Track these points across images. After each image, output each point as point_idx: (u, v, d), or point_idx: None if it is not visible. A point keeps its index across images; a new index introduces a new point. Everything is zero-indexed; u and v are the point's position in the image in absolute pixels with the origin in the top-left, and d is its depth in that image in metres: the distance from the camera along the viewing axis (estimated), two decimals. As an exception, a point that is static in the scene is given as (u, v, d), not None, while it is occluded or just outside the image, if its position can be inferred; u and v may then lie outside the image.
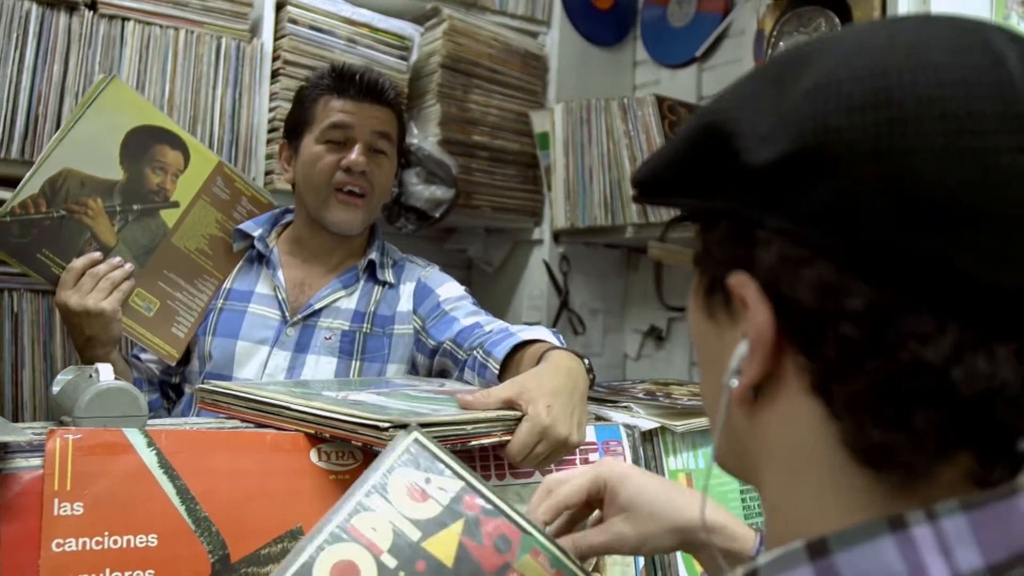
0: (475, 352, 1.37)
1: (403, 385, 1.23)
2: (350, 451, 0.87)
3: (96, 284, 1.40)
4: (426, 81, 2.28)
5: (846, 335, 0.40)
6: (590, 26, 2.58)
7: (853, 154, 0.39)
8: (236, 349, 1.55)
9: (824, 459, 0.43)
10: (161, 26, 1.82)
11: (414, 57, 2.24)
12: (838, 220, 0.40)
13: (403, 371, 1.61)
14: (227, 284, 1.62)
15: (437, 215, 2.15)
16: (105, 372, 0.82)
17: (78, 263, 1.40)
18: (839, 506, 0.43)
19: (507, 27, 2.43)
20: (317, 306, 1.59)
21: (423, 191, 2.12)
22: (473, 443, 0.92)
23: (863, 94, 0.40)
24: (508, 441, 0.94)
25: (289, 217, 1.70)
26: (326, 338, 1.58)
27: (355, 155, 1.55)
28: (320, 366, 1.56)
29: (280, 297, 1.59)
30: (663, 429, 1.10)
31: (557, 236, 2.47)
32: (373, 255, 1.66)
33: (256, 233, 1.62)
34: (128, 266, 1.46)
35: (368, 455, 0.88)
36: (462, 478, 0.70)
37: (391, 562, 0.64)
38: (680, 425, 1.09)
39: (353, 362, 1.59)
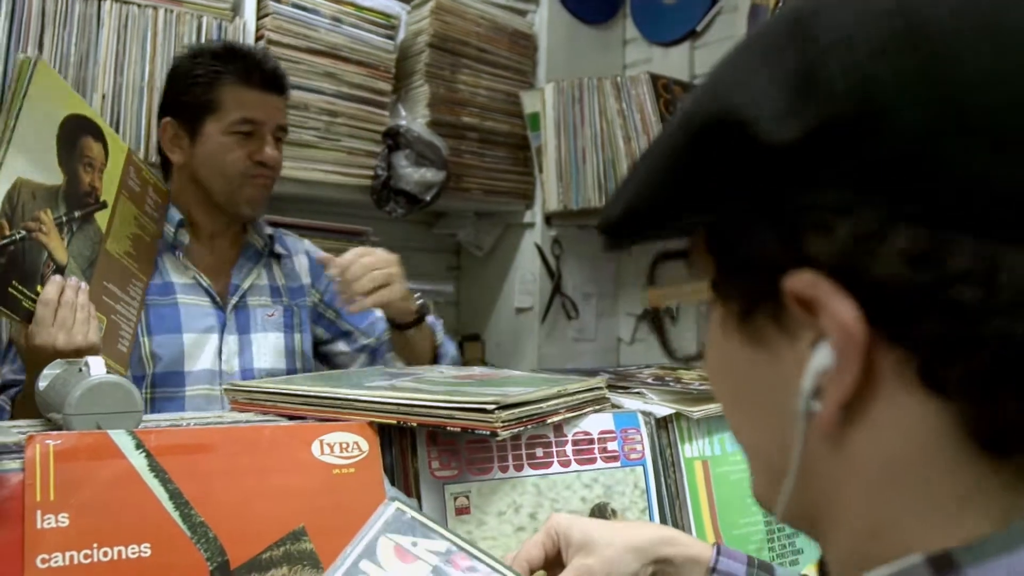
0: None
1: (425, 372, 1.19)
2: (355, 442, 0.82)
3: (75, 316, 1.21)
4: (414, 61, 2.22)
5: (959, 301, 0.34)
6: (579, 3, 2.53)
7: (904, 100, 0.34)
8: (185, 342, 1.54)
9: (941, 461, 0.37)
10: (140, 5, 1.74)
11: (401, 36, 2.18)
12: (907, 176, 0.34)
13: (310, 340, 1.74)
14: None
15: (428, 198, 2.10)
16: (96, 366, 0.76)
17: (51, 294, 1.19)
18: (953, 508, 0.37)
19: (495, 5, 2.37)
20: (244, 286, 1.64)
21: (413, 174, 2.06)
22: (549, 420, 0.93)
23: (894, 36, 0.35)
24: (572, 417, 0.97)
25: None
26: (269, 315, 1.64)
27: (269, 150, 1.58)
28: (269, 343, 1.63)
29: (204, 284, 1.60)
30: (679, 415, 1.05)
31: (549, 219, 2.43)
32: (269, 230, 1.72)
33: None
34: (84, 286, 1.26)
35: (374, 447, 0.82)
36: (447, 539, 0.71)
37: None
38: (697, 411, 1.04)
39: (296, 335, 1.68)
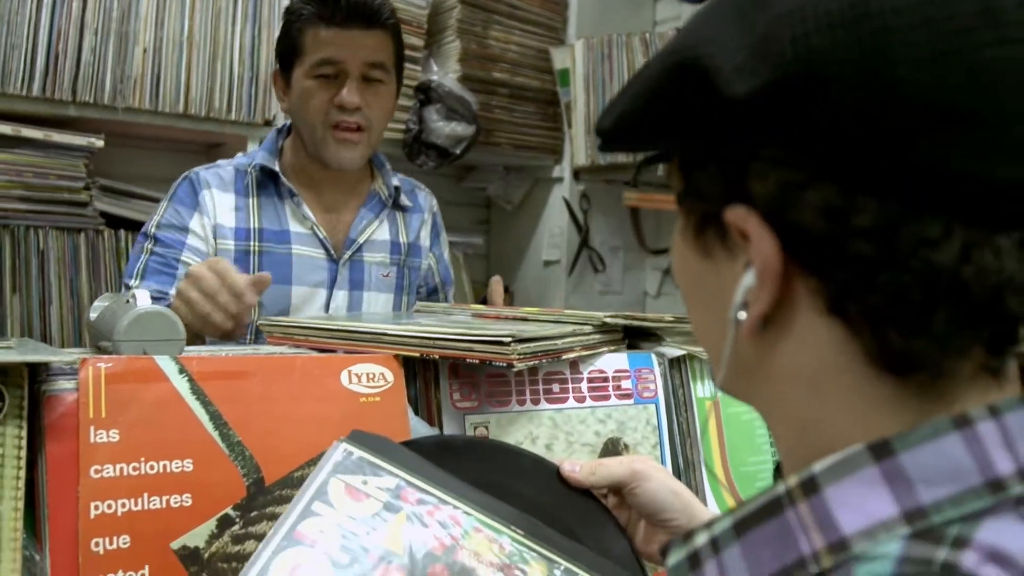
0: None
1: (441, 312, 1.26)
2: (381, 373, 0.88)
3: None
4: (445, 17, 2.25)
5: (858, 253, 0.40)
6: (610, -41, 2.53)
7: (840, 72, 0.39)
8: (293, 296, 1.51)
9: (849, 374, 0.43)
10: (180, -40, 1.80)
11: (433, -8, 2.21)
12: (833, 141, 0.40)
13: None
14: (252, 223, 1.51)
15: (458, 152, 2.14)
16: (142, 297, 0.82)
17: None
18: (872, 414, 0.43)
19: (526, -40, 2.39)
20: (360, 240, 1.58)
21: (443, 128, 2.10)
22: (564, 357, 0.96)
23: (840, 11, 0.39)
24: (588, 356, 1.00)
25: (282, 141, 1.61)
26: (384, 275, 1.60)
27: (347, 93, 1.45)
28: (379, 304, 1.58)
29: (320, 236, 1.54)
30: (691, 356, 1.10)
31: (577, 174, 2.46)
32: (395, 180, 1.65)
33: (269, 163, 1.53)
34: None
35: (399, 378, 0.88)
36: (396, 475, 0.72)
37: (344, 559, 0.65)
38: (707, 354, 1.09)
39: (404, 297, 1.63)
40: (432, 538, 0.69)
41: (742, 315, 0.45)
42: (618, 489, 0.82)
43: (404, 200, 1.66)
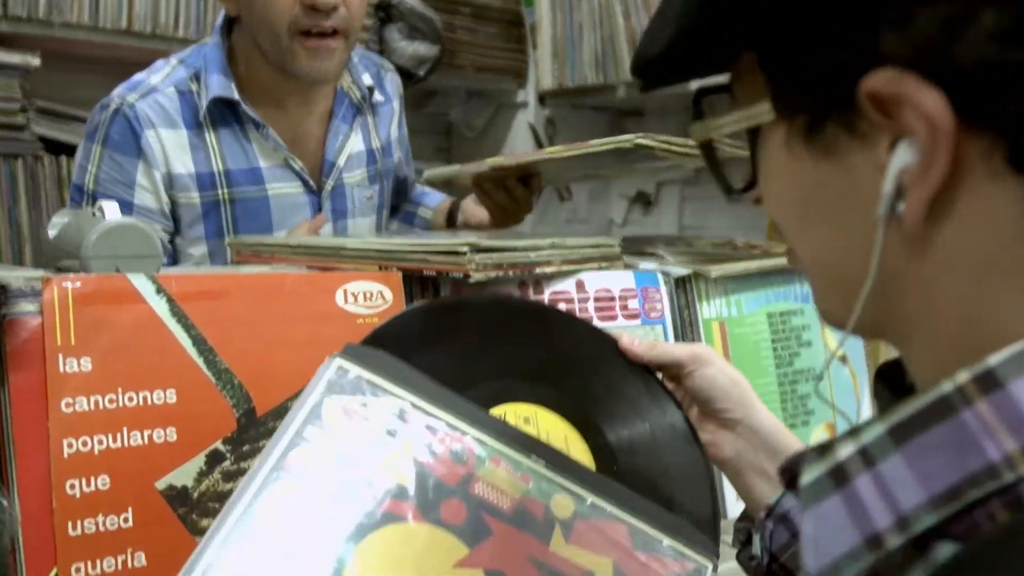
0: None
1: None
2: (379, 292, 0.80)
3: None
4: (404, -71, 2.12)
5: None
6: None
7: None
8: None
9: None
10: None
11: (391, -98, 2.08)
12: None
13: None
14: (215, 164, 1.27)
15: (421, 73, 2.04)
16: (111, 210, 0.72)
17: None
18: None
19: None
20: (340, 162, 1.38)
21: (406, 48, 2.00)
22: (537, 271, 0.89)
23: None
24: (572, 271, 0.93)
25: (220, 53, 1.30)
26: (367, 197, 1.42)
27: None
28: (362, 229, 1.42)
29: (296, 167, 1.33)
30: (696, 275, 1.04)
31: (543, 98, 2.37)
32: (366, 78, 1.42)
33: (225, 91, 1.25)
34: None
35: (399, 297, 0.80)
36: (400, 397, 0.62)
37: (342, 491, 0.57)
38: (715, 269, 1.02)
39: (384, 212, 1.47)
40: (444, 469, 0.61)
41: (900, 207, 0.37)
42: (674, 373, 0.77)
43: (377, 96, 1.44)
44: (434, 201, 1.61)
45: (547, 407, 0.73)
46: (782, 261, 1.14)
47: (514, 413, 0.72)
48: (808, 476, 0.39)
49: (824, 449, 0.39)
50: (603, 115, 2.50)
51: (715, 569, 0.65)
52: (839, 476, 0.38)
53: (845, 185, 0.40)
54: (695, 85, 0.51)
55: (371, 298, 0.79)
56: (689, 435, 0.75)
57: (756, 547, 0.72)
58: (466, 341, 0.72)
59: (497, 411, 0.71)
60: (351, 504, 0.57)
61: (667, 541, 0.65)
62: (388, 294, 0.80)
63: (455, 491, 0.60)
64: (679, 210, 2.47)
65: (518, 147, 2.44)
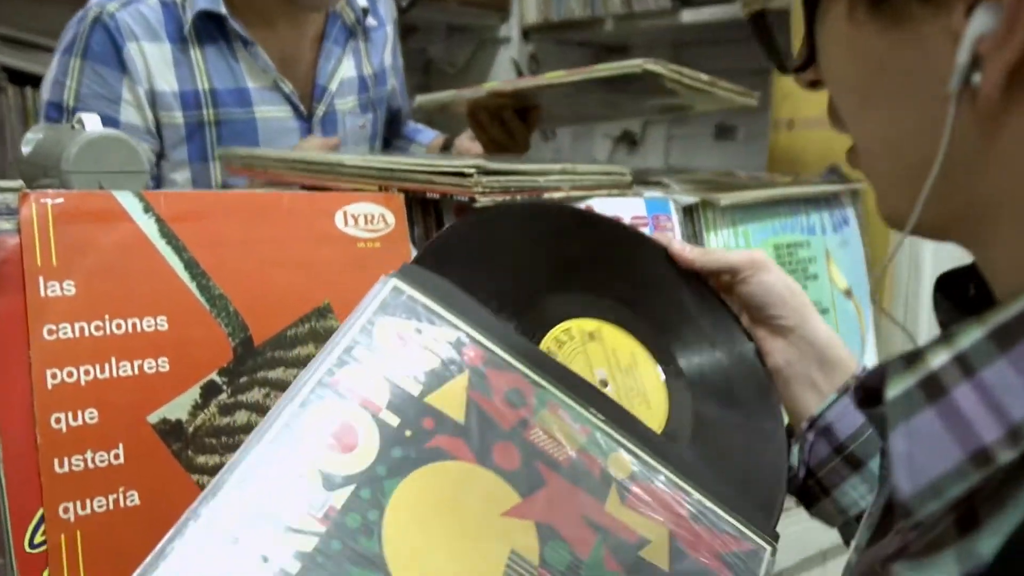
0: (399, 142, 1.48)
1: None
2: (380, 215, 0.74)
3: None
4: None
5: None
6: None
7: None
8: None
9: None
10: None
11: None
12: None
13: None
14: (200, 83, 1.20)
15: (404, 4, 1.96)
16: (92, 122, 0.66)
17: None
18: None
19: None
20: (332, 88, 1.32)
21: (387, -24, 1.92)
22: (548, 194, 0.84)
23: None
24: (583, 196, 0.87)
25: None
26: (360, 126, 1.36)
27: None
28: None
29: (286, 90, 1.27)
30: (704, 204, 0.99)
31: (527, 33, 2.30)
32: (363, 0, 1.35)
33: (212, 5, 1.18)
34: None
35: (401, 220, 0.75)
36: (457, 327, 0.57)
37: (393, 420, 0.52)
38: (725, 197, 0.98)
39: (377, 142, 1.41)
40: (499, 409, 0.56)
41: (975, 78, 0.33)
42: (726, 280, 0.75)
43: (369, 19, 1.38)
44: (427, 138, 1.56)
45: (611, 323, 0.70)
46: (790, 191, 1.10)
47: (579, 328, 0.69)
48: (894, 389, 0.35)
49: (912, 359, 0.35)
50: (588, 51, 2.44)
51: (774, 552, 0.61)
52: (933, 387, 0.34)
53: (914, 57, 0.37)
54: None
55: (372, 221, 0.74)
56: (758, 365, 0.73)
57: (794, 458, 0.70)
58: (525, 254, 0.70)
59: (562, 326, 0.68)
60: (399, 434, 0.52)
61: (726, 516, 0.60)
62: (390, 217, 0.75)
63: (509, 435, 0.55)
64: (665, 150, 2.43)
65: (500, 84, 2.38)
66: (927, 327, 1.30)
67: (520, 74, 2.32)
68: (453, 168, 0.76)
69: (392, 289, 0.57)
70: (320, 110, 1.31)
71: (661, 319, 0.72)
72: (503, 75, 2.37)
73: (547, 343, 0.67)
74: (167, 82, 1.18)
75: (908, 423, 0.34)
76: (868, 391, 0.38)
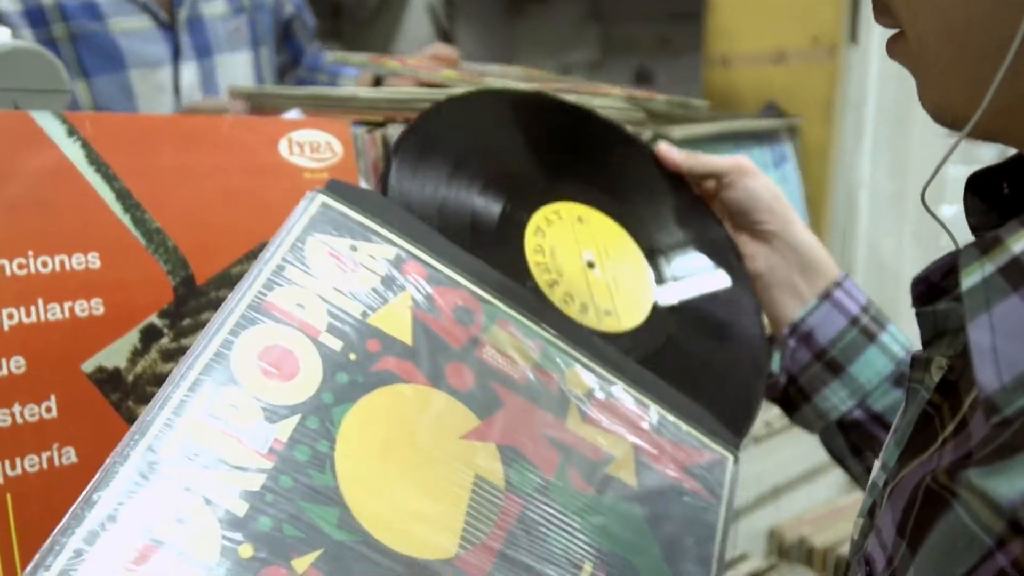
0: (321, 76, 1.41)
1: None
2: (327, 143, 0.68)
3: None
4: None
5: None
6: None
7: None
8: (131, 80, 1.18)
9: None
10: None
11: None
12: None
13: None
14: None
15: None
16: (3, 34, 0.58)
17: None
18: None
19: None
20: None
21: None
22: None
23: None
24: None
25: None
26: (233, 29, 1.26)
27: None
28: (237, 68, 1.27)
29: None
30: (658, 138, 0.96)
31: (442, -25, 2.23)
32: None
33: None
34: None
35: (349, 150, 0.69)
36: (395, 243, 0.53)
37: (335, 343, 0.47)
38: (677, 130, 0.95)
39: (262, 50, 1.31)
40: (447, 328, 0.52)
41: None
42: (709, 185, 0.75)
43: None
44: (352, 74, 1.48)
45: (601, 212, 0.70)
46: (736, 124, 1.08)
47: (569, 211, 0.68)
48: (971, 278, 0.32)
49: (989, 245, 0.32)
50: (505, -4, 2.38)
51: (736, 461, 0.60)
52: (1017, 272, 0.31)
53: None
54: None
55: (318, 150, 0.68)
56: (728, 243, 0.74)
57: (775, 364, 0.69)
58: (515, 138, 0.69)
59: (552, 206, 0.67)
60: (343, 358, 0.47)
61: (688, 428, 0.59)
62: (337, 146, 0.69)
63: (461, 355, 0.52)
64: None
65: (415, 29, 2.30)
66: (863, 265, 1.30)
67: (437, 19, 2.25)
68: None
69: (320, 205, 0.52)
70: (182, 15, 1.22)
71: (645, 215, 0.72)
72: (417, 19, 2.29)
73: (536, 222, 0.66)
74: (9, 0, 1.09)
75: (990, 312, 0.31)
76: (931, 285, 0.35)
